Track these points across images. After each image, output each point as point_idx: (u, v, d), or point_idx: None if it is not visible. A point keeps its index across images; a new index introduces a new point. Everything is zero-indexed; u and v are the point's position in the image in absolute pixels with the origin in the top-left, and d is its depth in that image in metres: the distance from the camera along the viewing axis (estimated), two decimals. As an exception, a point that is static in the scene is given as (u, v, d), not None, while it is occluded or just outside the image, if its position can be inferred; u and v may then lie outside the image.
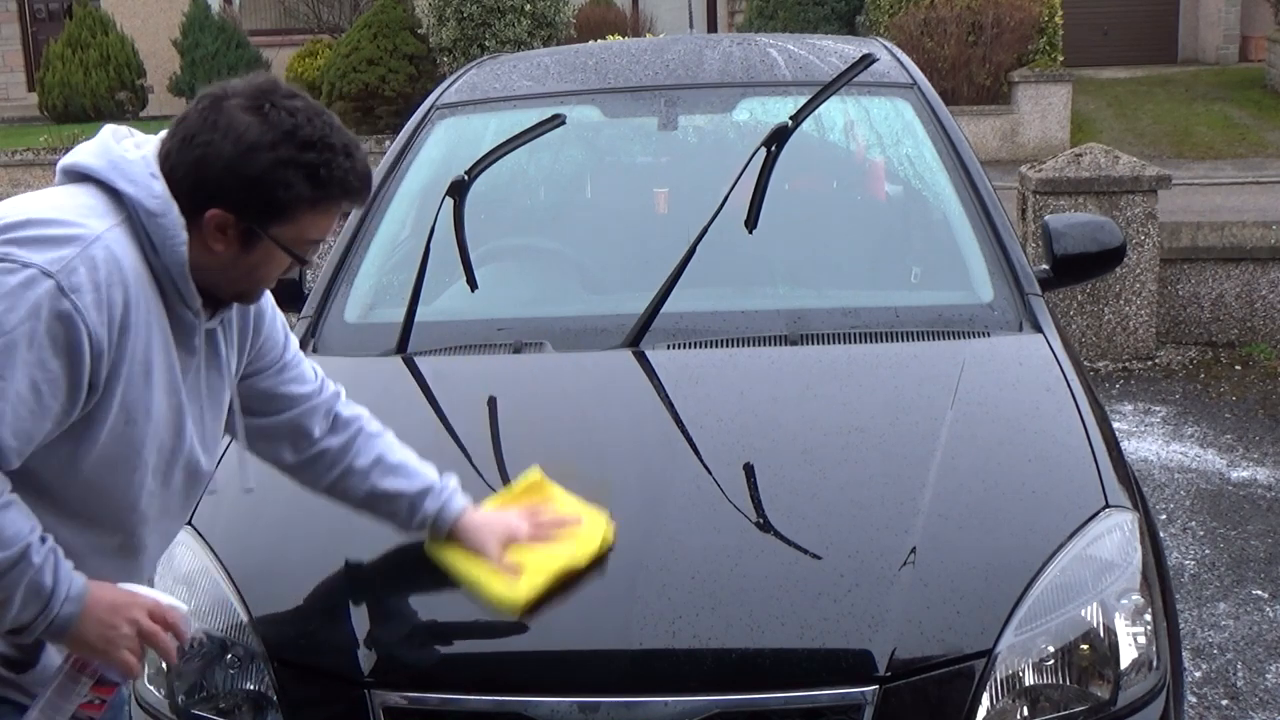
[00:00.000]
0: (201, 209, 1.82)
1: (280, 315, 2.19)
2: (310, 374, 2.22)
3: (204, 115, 1.82)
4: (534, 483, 2.32)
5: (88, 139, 1.93)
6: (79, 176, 1.86)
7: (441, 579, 2.19)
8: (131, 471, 1.87)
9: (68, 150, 1.94)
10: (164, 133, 1.89)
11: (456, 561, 2.17)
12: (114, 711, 2.06)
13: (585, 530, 2.19)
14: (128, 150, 1.86)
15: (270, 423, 2.18)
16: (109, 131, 1.91)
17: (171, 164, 1.83)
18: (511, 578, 2.11)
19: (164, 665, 2.21)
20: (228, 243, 1.85)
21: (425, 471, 2.24)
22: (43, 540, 1.78)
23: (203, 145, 1.81)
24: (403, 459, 2.23)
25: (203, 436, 2.00)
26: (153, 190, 1.81)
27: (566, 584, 2.12)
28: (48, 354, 1.71)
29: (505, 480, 2.45)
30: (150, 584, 2.05)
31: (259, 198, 1.81)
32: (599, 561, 2.16)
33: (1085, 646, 2.08)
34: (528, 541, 2.18)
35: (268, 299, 2.13)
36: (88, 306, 1.72)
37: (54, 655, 1.94)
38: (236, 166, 1.79)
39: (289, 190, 1.81)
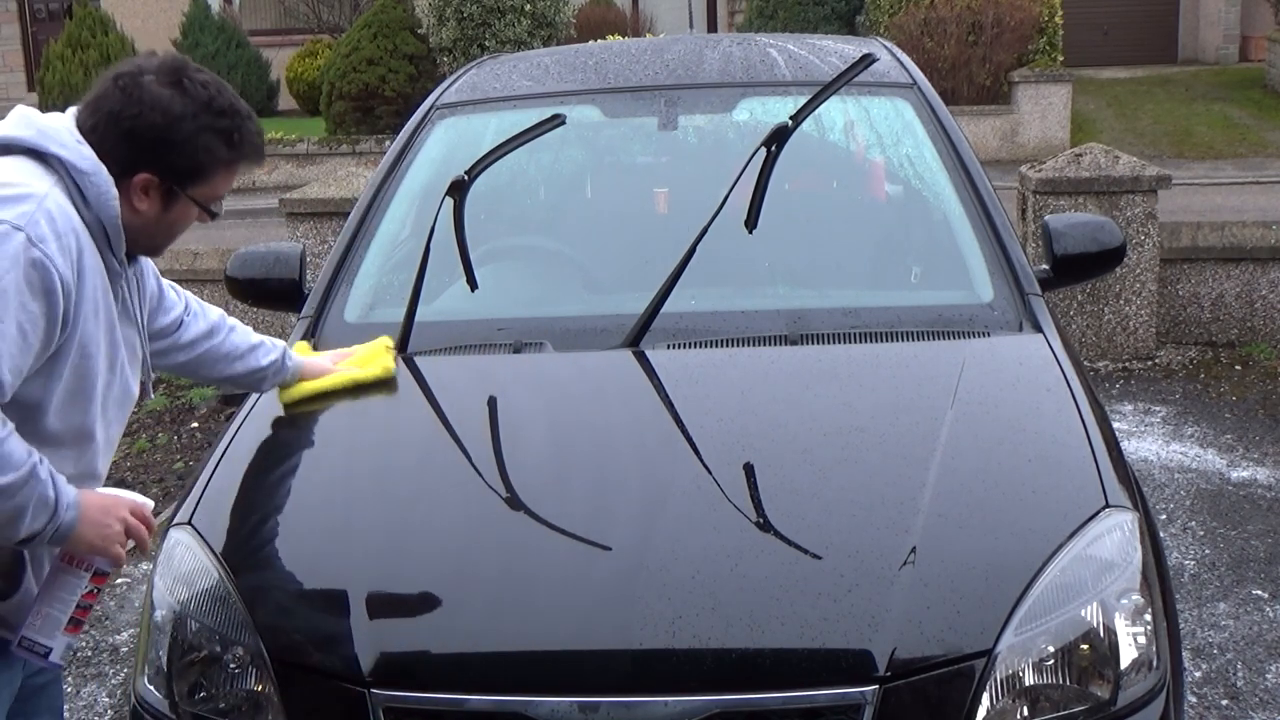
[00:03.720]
0: (131, 174, 2.09)
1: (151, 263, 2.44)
2: (175, 296, 2.53)
3: (127, 92, 2.09)
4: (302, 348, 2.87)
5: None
6: (5, 149, 2.08)
7: (441, 579, 2.19)
8: (88, 402, 2.14)
9: None
10: (75, 109, 2.14)
11: (317, 387, 2.71)
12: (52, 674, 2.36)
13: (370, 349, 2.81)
14: (51, 121, 2.10)
15: (164, 344, 2.50)
16: (23, 108, 2.16)
17: (99, 135, 2.08)
18: (356, 370, 2.73)
19: (163, 664, 2.21)
20: (151, 202, 2.13)
21: (267, 342, 2.68)
22: (40, 460, 2.02)
23: (131, 118, 2.08)
24: (258, 339, 2.67)
25: (133, 367, 2.28)
26: (82, 153, 2.07)
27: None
28: (28, 298, 1.95)
29: (505, 480, 2.45)
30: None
31: (185, 161, 2.12)
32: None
33: (1085, 646, 2.08)
34: (345, 356, 2.80)
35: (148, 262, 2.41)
36: (54, 253, 1.97)
37: (32, 584, 2.19)
38: (165, 135, 2.08)
39: (210, 154, 2.13)
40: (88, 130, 2.09)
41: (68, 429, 2.13)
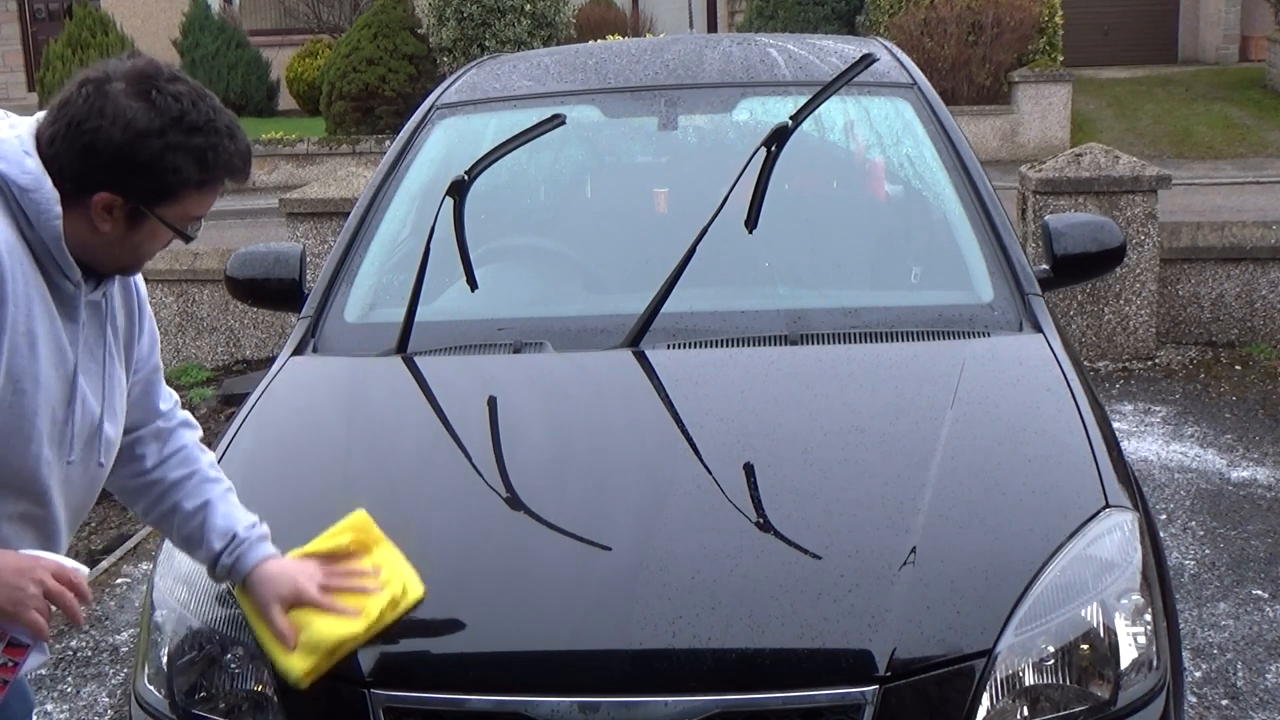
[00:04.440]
0: (89, 192, 1.85)
1: (154, 321, 2.21)
2: (169, 394, 2.25)
3: (89, 101, 1.83)
4: (360, 525, 2.20)
5: None
6: None
7: (441, 579, 2.19)
8: (26, 442, 1.89)
9: None
10: (42, 114, 1.91)
11: (249, 615, 2.12)
12: (19, 689, 2.11)
13: (375, 598, 2.09)
14: (1, 130, 1.87)
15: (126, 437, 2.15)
16: None
17: (56, 149, 1.84)
18: (287, 646, 2.05)
19: (163, 664, 2.21)
20: (114, 222, 1.88)
21: (239, 519, 2.18)
22: None
23: (90, 131, 1.82)
24: (224, 510, 2.18)
25: (110, 405, 2.02)
26: (24, 166, 1.83)
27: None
28: None
29: (505, 481, 2.45)
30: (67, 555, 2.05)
31: (149, 182, 1.85)
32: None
33: (1085, 646, 2.08)
34: (313, 603, 2.09)
35: (145, 295, 2.16)
36: None
37: None
38: (127, 153, 1.82)
39: (178, 175, 1.86)
40: (46, 140, 1.86)
41: (4, 476, 1.89)
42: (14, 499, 1.93)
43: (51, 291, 1.89)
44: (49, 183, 1.83)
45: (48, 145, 1.85)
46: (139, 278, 2.12)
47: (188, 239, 1.97)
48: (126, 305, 2.09)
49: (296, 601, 2.10)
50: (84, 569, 1.93)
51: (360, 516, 2.21)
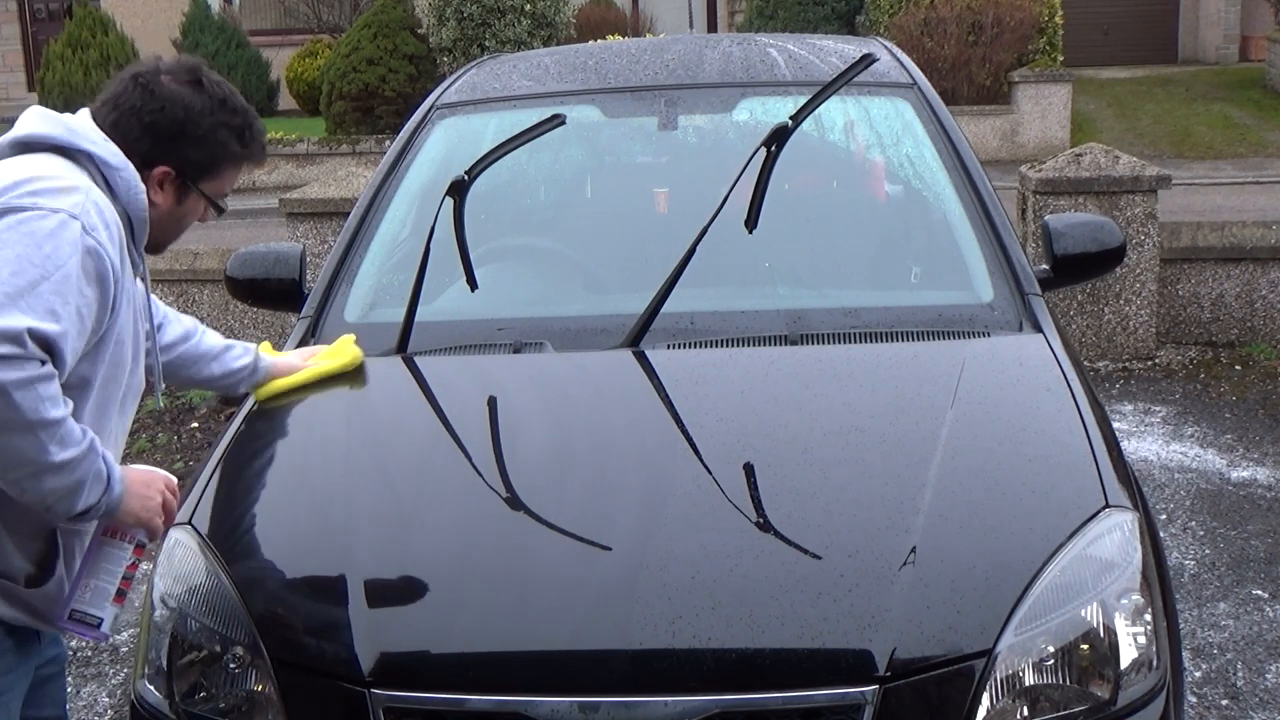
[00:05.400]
0: (150, 166, 2.21)
1: None
2: (156, 301, 2.59)
3: (148, 89, 2.21)
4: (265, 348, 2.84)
5: None
6: (29, 147, 2.16)
7: (441, 579, 2.19)
8: (119, 388, 2.24)
9: None
10: (90, 108, 2.25)
11: (291, 383, 2.76)
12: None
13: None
14: (75, 118, 2.20)
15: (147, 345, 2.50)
16: (40, 108, 2.25)
17: (121, 131, 2.20)
18: (326, 363, 2.78)
19: (163, 664, 2.22)
20: (166, 196, 2.26)
21: (237, 346, 2.74)
22: (94, 436, 2.09)
23: (154, 112, 2.20)
24: (229, 341, 2.75)
25: (140, 359, 2.34)
26: (110, 149, 2.17)
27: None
28: (84, 283, 2.05)
29: (505, 481, 2.45)
30: None
31: (201, 154, 2.25)
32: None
33: (1085, 646, 2.08)
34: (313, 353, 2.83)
35: None
36: (104, 242, 2.08)
37: (64, 571, 2.25)
38: (186, 129, 2.22)
39: (224, 149, 2.27)
40: (109, 126, 2.19)
41: (105, 412, 2.22)
42: (105, 443, 2.20)
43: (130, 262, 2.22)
44: (129, 162, 2.17)
45: (110, 131, 2.19)
46: None
47: (221, 210, 2.34)
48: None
49: (301, 365, 2.79)
50: (172, 477, 2.30)
51: (265, 345, 2.85)
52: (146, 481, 2.23)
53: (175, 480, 2.31)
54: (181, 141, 2.22)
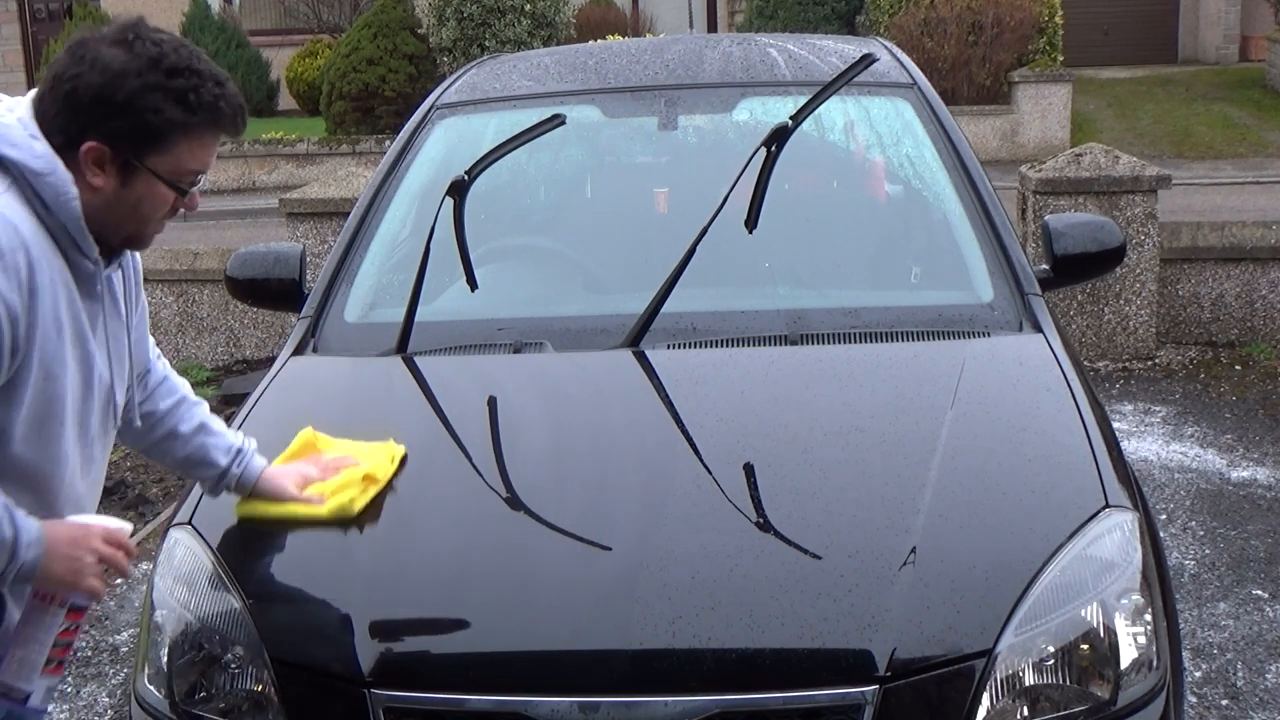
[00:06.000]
0: (76, 143, 1.87)
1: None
2: (150, 341, 2.35)
3: (71, 54, 1.88)
4: (308, 441, 2.48)
5: None
6: None
7: (441, 579, 2.19)
8: (58, 425, 1.97)
9: None
10: (35, 92, 1.95)
11: (266, 511, 2.35)
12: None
13: (370, 457, 2.40)
14: (2, 116, 1.91)
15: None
16: None
17: (44, 107, 1.89)
18: (317, 504, 2.31)
19: (163, 664, 2.21)
20: (106, 178, 1.90)
21: (231, 439, 2.38)
22: None
23: (71, 79, 1.86)
24: (218, 429, 2.38)
25: (123, 379, 2.11)
26: (34, 151, 1.87)
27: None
28: None
29: (505, 481, 2.45)
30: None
31: (130, 123, 1.86)
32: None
33: (1085, 646, 2.08)
34: (321, 478, 2.37)
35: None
36: None
37: (14, 611, 2.04)
38: (105, 94, 1.85)
39: (159, 115, 1.87)
40: (37, 103, 1.90)
41: (39, 457, 1.97)
42: (48, 484, 2.00)
43: (74, 273, 1.94)
44: (61, 164, 1.86)
45: (38, 107, 1.90)
46: None
47: (183, 192, 1.96)
48: (124, 270, 2.13)
49: (305, 483, 2.35)
50: (127, 525, 2.05)
51: (308, 432, 2.48)
52: (75, 539, 1.97)
53: (122, 529, 2.05)
54: (101, 108, 1.85)
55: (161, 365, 2.37)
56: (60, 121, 1.87)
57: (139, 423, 2.26)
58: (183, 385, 2.39)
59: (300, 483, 2.36)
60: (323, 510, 2.30)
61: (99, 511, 2.16)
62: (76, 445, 2.02)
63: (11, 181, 1.87)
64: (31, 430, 1.93)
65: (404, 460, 2.44)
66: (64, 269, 1.92)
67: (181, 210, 2.02)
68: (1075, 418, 2.51)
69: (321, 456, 2.44)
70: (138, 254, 2.17)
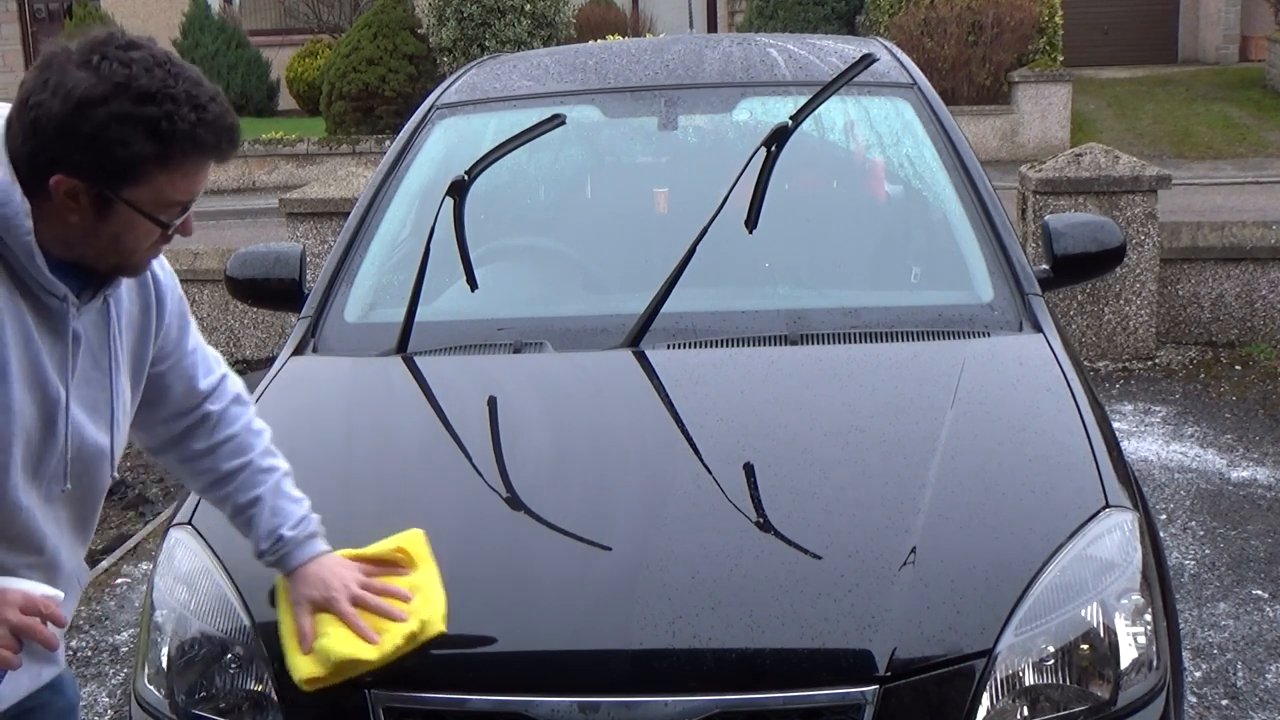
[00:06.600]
0: (44, 176, 1.67)
1: (184, 301, 2.09)
2: (211, 369, 2.13)
3: (39, 75, 1.68)
4: (412, 543, 2.19)
5: None
6: None
7: (443, 580, 2.19)
8: (3, 471, 1.77)
9: None
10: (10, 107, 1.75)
11: (280, 606, 2.13)
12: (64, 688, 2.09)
13: (397, 626, 2.06)
14: None
15: (161, 414, 2.10)
16: None
17: (12, 132, 1.69)
18: (302, 647, 2.05)
19: (163, 664, 2.21)
20: (81, 211, 1.70)
21: (290, 513, 2.13)
22: None
23: (35, 107, 1.66)
24: (275, 504, 2.13)
25: (105, 418, 1.90)
26: None
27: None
28: None
29: (505, 480, 2.45)
30: (83, 572, 2.05)
31: (98, 158, 1.66)
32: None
33: (1085, 646, 2.08)
34: (339, 614, 2.07)
35: (170, 273, 2.04)
36: None
37: None
38: (68, 126, 1.64)
39: (127, 148, 1.66)
40: (6, 124, 1.71)
41: None
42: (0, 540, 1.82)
43: (36, 308, 1.76)
44: (19, 194, 1.68)
45: (7, 131, 1.70)
46: (159, 263, 1.98)
47: (165, 227, 1.76)
48: (142, 300, 1.96)
49: (324, 608, 2.07)
50: (57, 594, 1.84)
51: (416, 534, 2.19)
52: None
53: (51, 597, 1.82)
54: (64, 141, 1.65)
55: (233, 413, 2.14)
56: (26, 151, 1.67)
57: (198, 453, 2.13)
58: (259, 443, 2.16)
59: (322, 603, 2.08)
60: (296, 665, 2.04)
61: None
62: (31, 490, 1.83)
63: None
64: None
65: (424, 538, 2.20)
66: (19, 305, 1.74)
67: (175, 235, 1.82)
68: (1075, 418, 2.51)
69: (387, 574, 2.16)
70: (163, 286, 2.00)
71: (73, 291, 1.80)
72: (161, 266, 2.01)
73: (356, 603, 2.08)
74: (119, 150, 1.66)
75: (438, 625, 2.06)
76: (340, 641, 2.03)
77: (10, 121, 1.70)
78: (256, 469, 2.14)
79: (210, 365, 2.13)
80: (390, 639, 2.03)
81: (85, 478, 1.92)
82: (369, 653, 2.02)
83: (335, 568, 2.12)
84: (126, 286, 1.93)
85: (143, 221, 1.74)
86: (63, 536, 1.94)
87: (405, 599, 2.09)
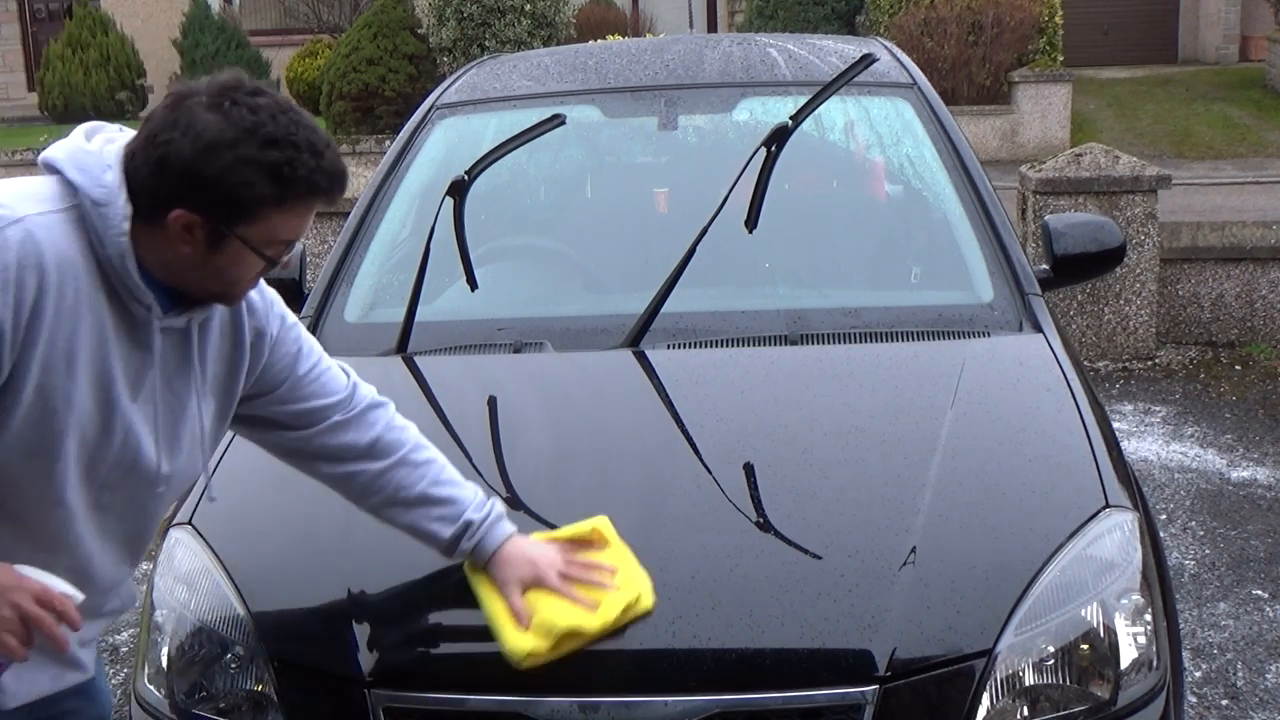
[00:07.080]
0: (165, 209, 1.77)
1: (299, 326, 2.15)
2: (335, 382, 2.17)
3: (168, 114, 1.78)
4: (596, 529, 2.20)
5: None
6: (50, 168, 1.84)
7: (442, 581, 2.19)
8: (52, 461, 1.82)
9: None
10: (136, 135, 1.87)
11: (482, 591, 2.12)
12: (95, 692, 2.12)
13: (612, 596, 2.06)
14: (93, 144, 1.84)
15: (293, 437, 2.15)
16: (82, 128, 1.90)
17: (136, 163, 1.79)
18: (521, 626, 2.04)
19: (163, 664, 2.21)
20: (195, 243, 1.80)
21: (465, 499, 2.16)
22: None
23: (164, 144, 1.76)
24: (446, 493, 2.16)
25: (168, 439, 1.95)
26: (100, 180, 1.79)
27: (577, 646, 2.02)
28: None
29: (505, 480, 2.45)
30: (126, 594, 2.07)
31: (221, 197, 1.77)
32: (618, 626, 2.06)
33: (1085, 646, 2.08)
34: (552, 588, 2.09)
35: (275, 311, 2.09)
36: None
37: None
38: (196, 166, 1.75)
39: (250, 189, 1.77)
40: (129, 155, 1.81)
41: (23, 495, 1.84)
42: (38, 527, 1.87)
43: (120, 315, 1.84)
44: (122, 198, 1.78)
45: (129, 160, 1.80)
46: (261, 290, 2.06)
47: (272, 263, 1.88)
48: (234, 336, 2.02)
49: (535, 584, 2.09)
50: (77, 595, 1.85)
51: (602, 520, 2.20)
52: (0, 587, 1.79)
53: (69, 596, 1.83)
54: (191, 180, 1.75)
55: (369, 416, 2.18)
56: (150, 184, 1.77)
57: (344, 461, 2.15)
58: (406, 439, 2.19)
59: (530, 580, 2.10)
60: (515, 645, 2.01)
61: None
62: (81, 491, 1.88)
63: (72, 206, 1.79)
64: (19, 457, 1.81)
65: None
66: (104, 307, 1.81)
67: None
68: (1075, 418, 2.51)
69: (585, 551, 2.17)
70: (262, 321, 2.06)
71: (160, 306, 1.86)
72: (262, 295, 2.08)
73: (566, 578, 2.10)
74: (242, 191, 1.77)
75: (648, 599, 2.06)
76: (561, 614, 2.03)
77: (134, 152, 1.80)
78: (410, 465, 2.17)
79: (334, 385, 2.17)
80: (608, 609, 2.03)
81: (137, 496, 1.96)
82: (591, 621, 2.02)
83: (535, 547, 2.16)
84: (219, 321, 2.00)
85: (251, 256, 1.85)
86: (103, 548, 1.96)
87: (611, 572, 2.10)
